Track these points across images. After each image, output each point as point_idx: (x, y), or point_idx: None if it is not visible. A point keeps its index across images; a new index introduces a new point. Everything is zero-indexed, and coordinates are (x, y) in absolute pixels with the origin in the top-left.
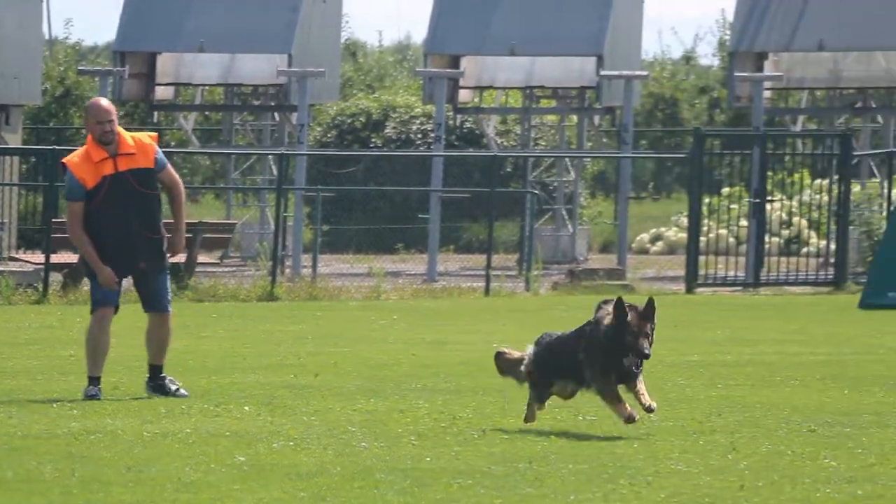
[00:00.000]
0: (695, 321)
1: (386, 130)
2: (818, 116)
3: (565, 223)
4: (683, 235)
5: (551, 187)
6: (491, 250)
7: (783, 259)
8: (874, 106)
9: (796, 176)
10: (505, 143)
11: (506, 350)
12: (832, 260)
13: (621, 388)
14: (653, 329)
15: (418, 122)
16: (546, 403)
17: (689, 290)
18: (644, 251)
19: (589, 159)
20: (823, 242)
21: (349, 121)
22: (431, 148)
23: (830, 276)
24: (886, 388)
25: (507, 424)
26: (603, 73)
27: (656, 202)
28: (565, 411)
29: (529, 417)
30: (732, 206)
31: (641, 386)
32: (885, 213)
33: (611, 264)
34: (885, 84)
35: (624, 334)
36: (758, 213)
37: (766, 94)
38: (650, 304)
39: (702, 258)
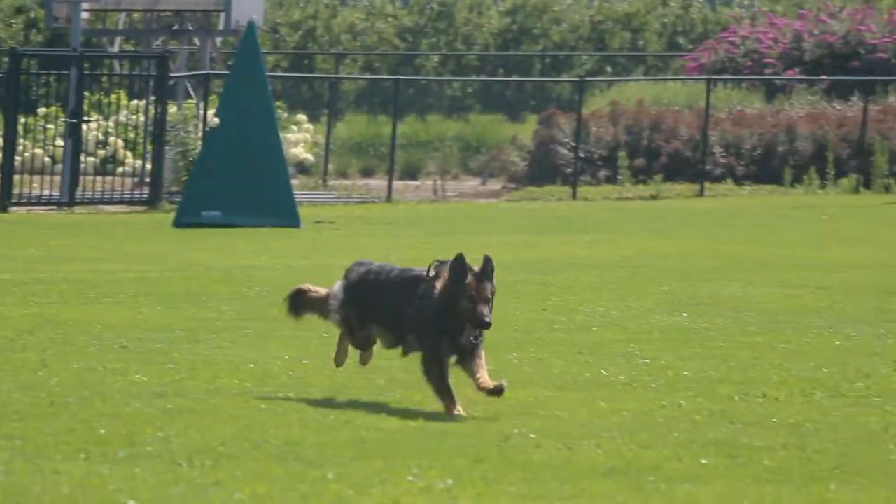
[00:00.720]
0: (9, 240)
1: None
2: (136, 38)
3: None
4: None
5: None
6: None
7: (99, 178)
8: (191, 28)
9: (113, 97)
10: None
11: (308, 288)
12: (147, 179)
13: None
14: (493, 293)
15: None
16: (373, 350)
17: (4, 210)
18: None
19: None
20: (139, 162)
21: None
22: None
23: (146, 196)
24: (198, 304)
25: None
26: None
27: None
28: None
29: (339, 359)
30: (49, 126)
31: (480, 365)
32: (200, 134)
33: None
34: (201, 7)
35: (460, 298)
36: (74, 133)
37: (84, 15)
38: (488, 263)
39: (17, 177)
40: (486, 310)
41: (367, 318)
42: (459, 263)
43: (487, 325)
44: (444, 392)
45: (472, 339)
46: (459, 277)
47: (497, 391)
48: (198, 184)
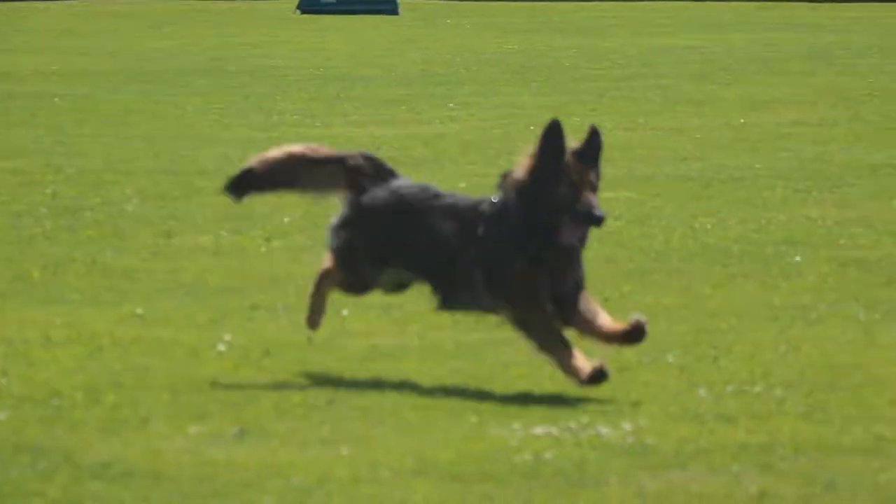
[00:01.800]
0: None
1: None
2: None
3: None
4: None
5: None
6: None
7: None
8: None
9: None
10: None
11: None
12: None
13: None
14: (598, 178)
15: None
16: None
17: None
18: None
19: None
20: None
21: None
22: None
23: None
24: None
25: None
26: None
27: None
28: None
29: (314, 317)
30: None
31: (595, 308)
32: None
33: None
34: None
35: (557, 183)
36: None
37: None
38: (594, 137)
39: None
40: (594, 199)
41: (386, 257)
42: (555, 132)
43: (600, 221)
44: (556, 343)
45: (575, 240)
46: (555, 153)
47: (637, 332)
48: None
